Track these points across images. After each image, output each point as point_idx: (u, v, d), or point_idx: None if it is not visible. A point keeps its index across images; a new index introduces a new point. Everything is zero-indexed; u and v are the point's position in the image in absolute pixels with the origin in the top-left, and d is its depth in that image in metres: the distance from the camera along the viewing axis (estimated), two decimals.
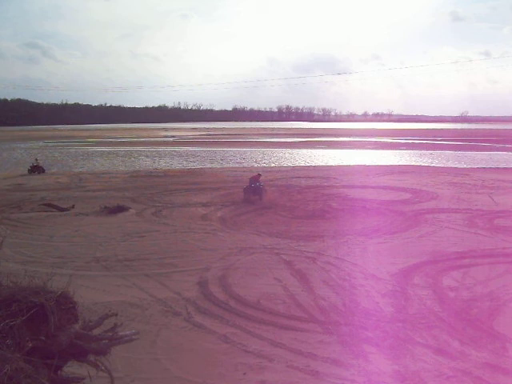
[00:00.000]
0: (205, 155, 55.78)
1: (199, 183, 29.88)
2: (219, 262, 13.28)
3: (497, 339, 8.67)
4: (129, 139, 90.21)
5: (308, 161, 49.02)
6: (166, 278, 12.04)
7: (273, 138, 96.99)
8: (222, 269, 12.70)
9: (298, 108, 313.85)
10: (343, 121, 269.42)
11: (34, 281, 5.41)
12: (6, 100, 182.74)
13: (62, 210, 21.14)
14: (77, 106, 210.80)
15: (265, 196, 23.26)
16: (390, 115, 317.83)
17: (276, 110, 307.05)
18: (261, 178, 24.55)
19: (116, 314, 6.26)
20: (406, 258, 13.44)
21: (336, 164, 44.72)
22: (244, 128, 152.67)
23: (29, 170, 36.52)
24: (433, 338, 8.76)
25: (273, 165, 45.00)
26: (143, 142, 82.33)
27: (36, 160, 38.50)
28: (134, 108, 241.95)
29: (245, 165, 44.65)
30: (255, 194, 23.13)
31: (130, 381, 7.40)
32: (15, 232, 16.99)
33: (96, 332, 5.71)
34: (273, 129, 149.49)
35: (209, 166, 44.49)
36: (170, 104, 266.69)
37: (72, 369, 5.51)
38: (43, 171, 36.54)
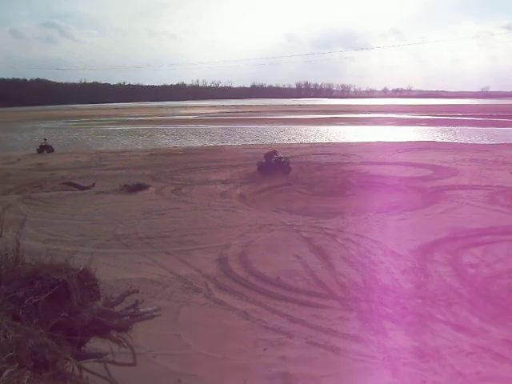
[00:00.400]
0: (223, 133, 55.72)
1: (218, 161, 29.91)
2: (239, 239, 13.36)
3: None
4: (148, 117, 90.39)
5: (327, 137, 48.68)
6: (186, 256, 12.15)
7: (291, 114, 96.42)
8: (242, 246, 12.77)
9: (316, 84, 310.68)
10: (363, 97, 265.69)
11: (56, 259, 5.47)
12: (26, 80, 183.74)
13: (82, 188, 21.38)
14: (95, 84, 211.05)
15: (290, 171, 23.79)
16: (409, 91, 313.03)
17: (295, 86, 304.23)
18: (280, 155, 24.77)
19: (137, 291, 6.32)
20: (425, 235, 13.36)
21: (355, 141, 44.30)
22: (262, 105, 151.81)
23: (38, 149, 36.94)
24: (452, 314, 8.73)
25: (292, 142, 44.78)
26: (162, 120, 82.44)
27: (45, 140, 38.73)
28: (153, 86, 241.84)
29: (263, 142, 44.50)
30: (279, 168, 23.53)
31: (152, 356, 7.51)
32: (37, 211, 17.27)
33: (118, 309, 5.77)
34: (291, 105, 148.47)
35: (227, 143, 44.43)
36: (188, 82, 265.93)
37: (95, 344, 5.58)
38: (52, 150, 36.97)
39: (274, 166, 23.93)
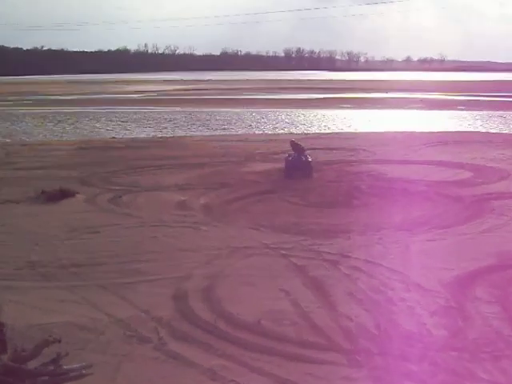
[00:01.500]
0: (182, 118, 55.67)
1: (175, 157, 29.99)
2: (203, 268, 13.34)
3: None
4: (75, 96, 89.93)
5: (328, 126, 49.14)
6: (129, 291, 12.09)
7: (277, 93, 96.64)
8: (208, 277, 12.75)
9: (313, 52, 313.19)
10: (377, 69, 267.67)
11: None
12: None
13: None
14: (0, 49, 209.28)
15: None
16: (442, 61, 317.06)
17: (282, 54, 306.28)
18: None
19: (59, 341, 6.31)
20: (464, 262, 13.46)
21: (367, 131, 44.59)
22: (237, 80, 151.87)
23: None
24: (501, 372, 8.75)
25: (277, 131, 45.11)
26: (95, 100, 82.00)
27: None
28: (83, 53, 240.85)
29: (239, 132, 44.61)
30: (299, 169, 23.98)
31: None
32: None
33: (32, 365, 5.73)
34: (278, 81, 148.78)
35: (188, 133, 44.49)
36: (133, 46, 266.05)
37: None
38: None
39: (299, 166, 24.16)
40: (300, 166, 24.17)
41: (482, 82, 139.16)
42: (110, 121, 53.82)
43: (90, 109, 66.66)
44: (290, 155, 25.03)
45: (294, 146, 25.29)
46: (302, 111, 63.28)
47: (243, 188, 22.44)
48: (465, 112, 61.69)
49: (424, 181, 23.31)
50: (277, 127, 48.19)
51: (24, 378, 5.41)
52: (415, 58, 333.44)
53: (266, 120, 54.10)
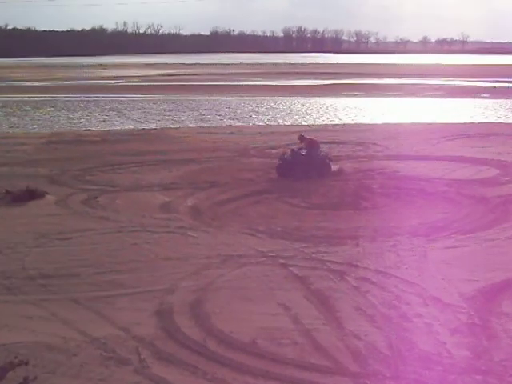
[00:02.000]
0: (167, 108, 55.57)
1: (159, 152, 29.94)
2: (190, 280, 13.35)
3: None
4: (44, 82, 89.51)
5: (333, 116, 49.08)
6: (107, 306, 12.09)
7: (276, 79, 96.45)
8: (196, 290, 12.76)
9: (316, 32, 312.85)
10: (389, 52, 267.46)
11: None
12: None
13: None
14: None
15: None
16: (464, 42, 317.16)
17: (281, 34, 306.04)
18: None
19: (26, 363, 6.30)
20: (489, 272, 13.47)
21: (378, 122, 44.59)
22: (229, 64, 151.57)
23: None
24: None
25: (276, 123, 45.09)
26: (67, 86, 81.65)
27: None
28: (53, 32, 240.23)
29: (232, 123, 44.56)
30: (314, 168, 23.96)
31: None
32: None
33: None
34: (276, 65, 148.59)
35: (173, 124, 44.45)
36: (110, 25, 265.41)
37: None
38: None
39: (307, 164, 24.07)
40: (312, 164, 24.05)
41: (509, 66, 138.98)
42: (85, 110, 53.60)
43: (62, 97, 66.27)
44: (291, 151, 24.82)
45: (304, 139, 25.05)
46: (303, 99, 63.20)
47: (237, 187, 22.42)
48: (490, 100, 61.63)
49: (443, 179, 23.31)
50: (275, 118, 48.11)
51: None
52: (433, 39, 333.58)
53: (262, 110, 53.95)
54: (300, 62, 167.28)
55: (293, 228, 17.37)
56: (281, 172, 24.14)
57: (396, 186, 22.27)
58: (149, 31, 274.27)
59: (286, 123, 44.77)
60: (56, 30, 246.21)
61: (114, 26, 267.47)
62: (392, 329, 10.89)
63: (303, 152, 24.51)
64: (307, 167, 23.91)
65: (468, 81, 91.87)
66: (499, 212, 18.73)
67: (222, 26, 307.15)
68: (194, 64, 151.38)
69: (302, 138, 25.31)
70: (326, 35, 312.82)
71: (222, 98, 63.67)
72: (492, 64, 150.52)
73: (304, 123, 44.67)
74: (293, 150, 24.91)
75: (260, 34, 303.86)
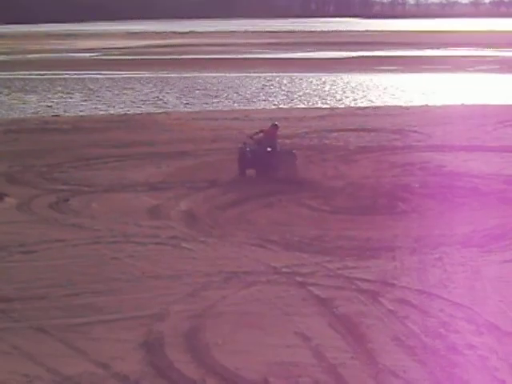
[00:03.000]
0: (153, 87, 55.25)
1: (145, 143, 29.13)
2: (185, 303, 12.78)
3: None
4: (1, 56, 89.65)
5: (362, 97, 48.37)
6: (81, 336, 11.34)
7: (290, 51, 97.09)
8: (192, 316, 12.05)
9: None
10: (430, 16, 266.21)
11: None
12: None
13: None
14: None
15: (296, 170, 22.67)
16: None
17: None
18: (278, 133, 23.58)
19: None
20: None
21: (417, 104, 43.84)
22: (231, 32, 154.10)
23: None
24: None
25: (291, 105, 44.25)
26: (31, 61, 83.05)
27: None
28: None
29: (236, 106, 43.99)
30: (280, 165, 22.39)
31: None
32: None
33: None
34: (291, 33, 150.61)
35: (161, 108, 43.81)
36: None
37: None
38: None
39: (271, 158, 22.32)
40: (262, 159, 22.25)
41: None
42: (51, 90, 53.65)
43: (22, 74, 66.86)
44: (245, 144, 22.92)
45: (261, 135, 23.21)
46: (325, 76, 63.02)
47: (241, 187, 21.31)
48: None
49: (501, 175, 22.36)
50: (289, 99, 47.57)
51: None
52: (486, 0, 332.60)
53: (273, 90, 53.65)
54: (320, 29, 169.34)
55: (313, 237, 16.56)
56: (245, 168, 22.54)
57: (442, 184, 21.49)
58: None
59: (300, 106, 44.29)
60: None
61: None
62: (438, 364, 10.28)
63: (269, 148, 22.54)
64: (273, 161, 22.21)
65: None
66: None
67: None
68: (189, 32, 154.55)
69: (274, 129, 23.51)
70: None
71: (224, 75, 63.87)
72: None
73: (325, 106, 43.83)
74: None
75: None
